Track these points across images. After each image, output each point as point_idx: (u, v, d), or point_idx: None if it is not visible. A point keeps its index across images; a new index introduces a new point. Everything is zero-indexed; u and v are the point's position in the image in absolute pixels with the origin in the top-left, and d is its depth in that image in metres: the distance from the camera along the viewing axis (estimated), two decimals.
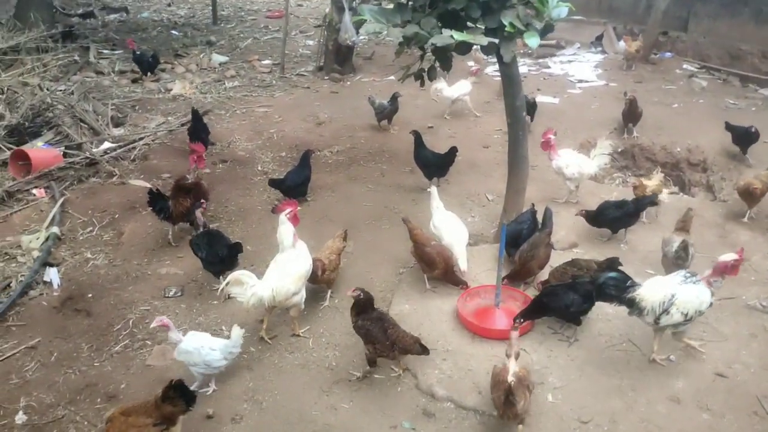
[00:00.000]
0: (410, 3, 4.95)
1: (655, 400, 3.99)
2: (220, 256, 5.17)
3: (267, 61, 12.17)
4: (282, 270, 4.62)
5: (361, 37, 13.03)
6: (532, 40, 4.63)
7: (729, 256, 4.10)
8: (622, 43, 12.58)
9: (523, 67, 11.67)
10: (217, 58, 12.29)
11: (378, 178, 7.40)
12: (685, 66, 11.45)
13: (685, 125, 8.59)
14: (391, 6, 5.02)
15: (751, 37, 10.96)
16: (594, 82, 10.87)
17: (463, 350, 4.48)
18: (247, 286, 4.49)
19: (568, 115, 9.16)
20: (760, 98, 9.91)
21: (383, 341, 4.09)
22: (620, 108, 8.51)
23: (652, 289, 4.12)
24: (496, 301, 4.80)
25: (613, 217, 5.72)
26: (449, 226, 5.36)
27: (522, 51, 12.18)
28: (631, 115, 8.26)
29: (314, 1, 17.95)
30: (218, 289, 5.05)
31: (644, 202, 5.75)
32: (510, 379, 3.58)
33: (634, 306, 4.13)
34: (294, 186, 6.63)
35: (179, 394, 3.57)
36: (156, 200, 5.93)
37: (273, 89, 10.56)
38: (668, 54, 11.91)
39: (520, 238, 5.32)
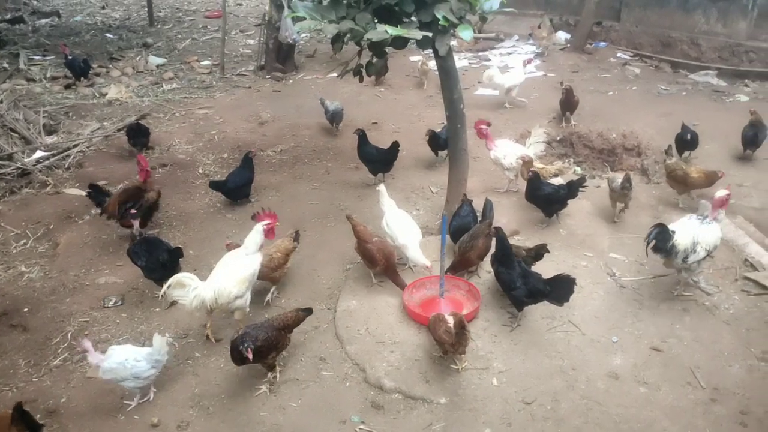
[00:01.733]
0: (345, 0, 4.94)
1: (594, 377, 4.12)
2: (161, 261, 5.05)
3: (206, 62, 11.95)
4: (226, 272, 4.55)
5: (303, 35, 12.98)
6: (466, 33, 4.69)
7: (721, 192, 4.83)
8: (560, 34, 12.96)
9: (464, 60, 11.87)
10: (154, 60, 11.99)
11: (323, 175, 7.37)
12: (619, 54, 11.83)
13: (620, 112, 8.87)
14: (326, 2, 5.01)
15: (680, 25, 11.42)
16: (533, 73, 11.07)
17: (410, 341, 4.52)
18: (189, 288, 4.42)
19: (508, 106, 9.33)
20: (690, 83, 10.33)
21: (277, 337, 4.10)
22: (558, 97, 8.72)
23: (683, 235, 4.72)
24: (441, 291, 4.85)
25: (546, 194, 5.87)
26: (402, 227, 5.31)
27: (471, 47, 12.42)
28: (568, 103, 8.48)
29: (254, 0, 17.71)
30: (160, 295, 4.95)
31: (576, 186, 5.89)
32: (449, 318, 4.07)
33: (672, 252, 4.68)
34: (236, 188, 6.54)
35: (20, 418, 3.44)
36: (98, 194, 6.01)
37: (213, 90, 10.38)
38: (603, 43, 12.29)
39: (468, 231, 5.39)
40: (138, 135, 7.78)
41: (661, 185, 6.94)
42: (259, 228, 4.67)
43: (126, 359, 3.97)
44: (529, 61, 9.92)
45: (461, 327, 3.99)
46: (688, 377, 4.12)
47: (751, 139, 7.05)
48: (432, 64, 9.30)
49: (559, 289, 4.41)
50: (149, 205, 5.95)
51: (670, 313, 4.73)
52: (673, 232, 4.72)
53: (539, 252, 4.99)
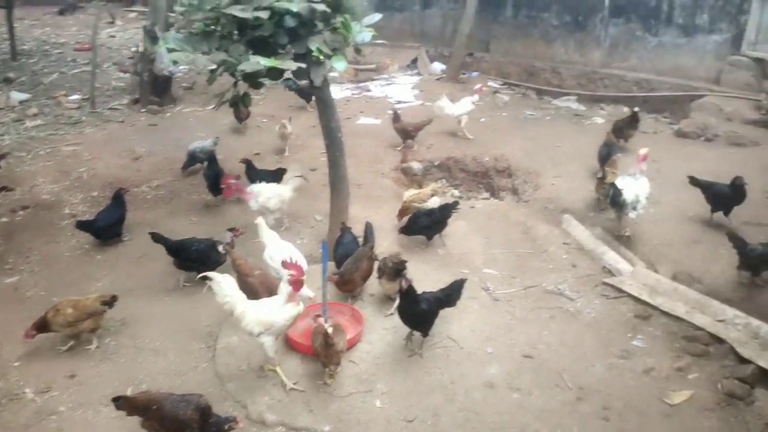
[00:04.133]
0: (218, 31, 4.92)
1: (472, 388, 4.28)
2: None
3: (75, 97, 11.28)
4: (258, 306, 4.41)
5: (180, 66, 12.67)
6: (339, 64, 4.84)
7: (644, 150, 6.23)
8: (435, 65, 13.60)
9: (347, 91, 12.13)
10: (17, 96, 11.16)
11: (202, 210, 7.16)
12: (490, 83, 12.56)
13: (491, 136, 9.40)
14: (198, 34, 4.96)
15: (543, 55, 12.39)
16: (412, 102, 11.52)
17: (294, 372, 4.46)
18: (223, 291, 4.38)
19: (388, 134, 9.57)
20: (553, 108, 11.17)
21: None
22: (438, 126, 9.15)
23: (628, 191, 5.98)
24: (324, 318, 4.84)
25: (424, 225, 6.08)
26: (286, 258, 5.25)
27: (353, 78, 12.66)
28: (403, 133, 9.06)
29: (128, 32, 17.07)
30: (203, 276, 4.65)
31: (449, 209, 6.15)
32: (328, 326, 4.19)
33: (624, 204, 5.97)
34: (106, 227, 6.21)
35: None
36: None
37: (82, 126, 9.77)
38: (475, 73, 13.02)
39: None
40: None
41: (529, 203, 7.41)
42: (285, 277, 4.38)
43: None
44: (480, 90, 9.75)
45: (326, 338, 4.11)
46: (557, 380, 4.38)
47: (605, 157, 7.70)
48: (291, 127, 8.88)
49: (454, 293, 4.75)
50: None
51: (538, 321, 5.03)
52: (621, 189, 5.96)
53: (398, 268, 5.07)
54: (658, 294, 5.29)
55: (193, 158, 7.92)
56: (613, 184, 6.15)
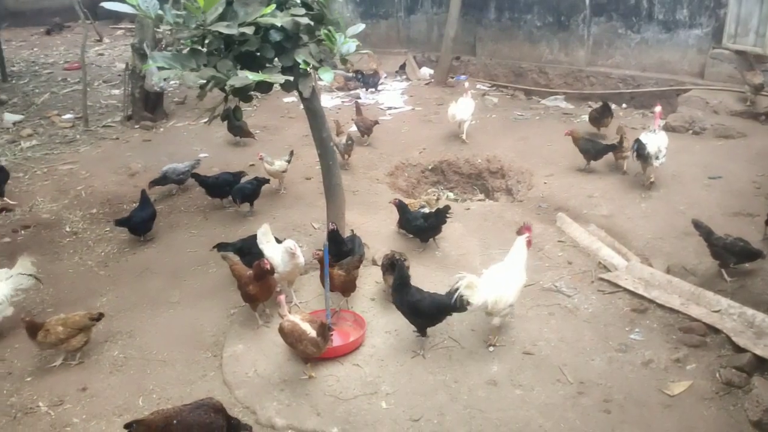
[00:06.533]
0: (205, 48, 5.02)
1: (475, 387, 4.38)
2: None
3: (68, 116, 11.35)
4: (506, 281, 4.80)
5: (172, 82, 12.76)
6: (327, 75, 4.92)
7: (657, 108, 7.50)
8: (424, 70, 13.74)
9: (337, 99, 12.25)
10: (10, 117, 11.22)
11: (201, 222, 7.25)
12: (478, 86, 12.69)
13: (482, 139, 9.52)
14: (185, 51, 5.05)
15: (529, 56, 12.54)
16: (402, 108, 11.64)
17: (299, 377, 4.56)
18: (476, 290, 4.63)
19: (382, 140, 9.68)
20: (542, 108, 11.32)
21: None
22: (429, 130, 9.26)
23: (650, 143, 6.98)
24: (328, 322, 4.93)
25: (419, 227, 6.23)
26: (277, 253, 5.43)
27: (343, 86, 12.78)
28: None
29: (116, 50, 17.13)
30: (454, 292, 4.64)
31: (443, 214, 6.22)
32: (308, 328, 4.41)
33: (646, 155, 6.99)
34: (141, 222, 6.81)
35: None
36: None
37: (77, 144, 9.86)
38: (463, 76, 13.14)
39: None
40: None
41: (523, 202, 7.53)
42: (522, 241, 4.98)
43: None
44: (468, 88, 9.96)
45: (324, 332, 4.36)
46: (558, 375, 4.48)
47: (590, 150, 7.88)
48: (281, 162, 7.80)
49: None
50: None
51: (537, 319, 5.14)
52: (645, 144, 6.95)
53: (392, 262, 5.27)
54: (653, 287, 5.41)
55: (164, 178, 7.92)
56: (637, 140, 7.02)
